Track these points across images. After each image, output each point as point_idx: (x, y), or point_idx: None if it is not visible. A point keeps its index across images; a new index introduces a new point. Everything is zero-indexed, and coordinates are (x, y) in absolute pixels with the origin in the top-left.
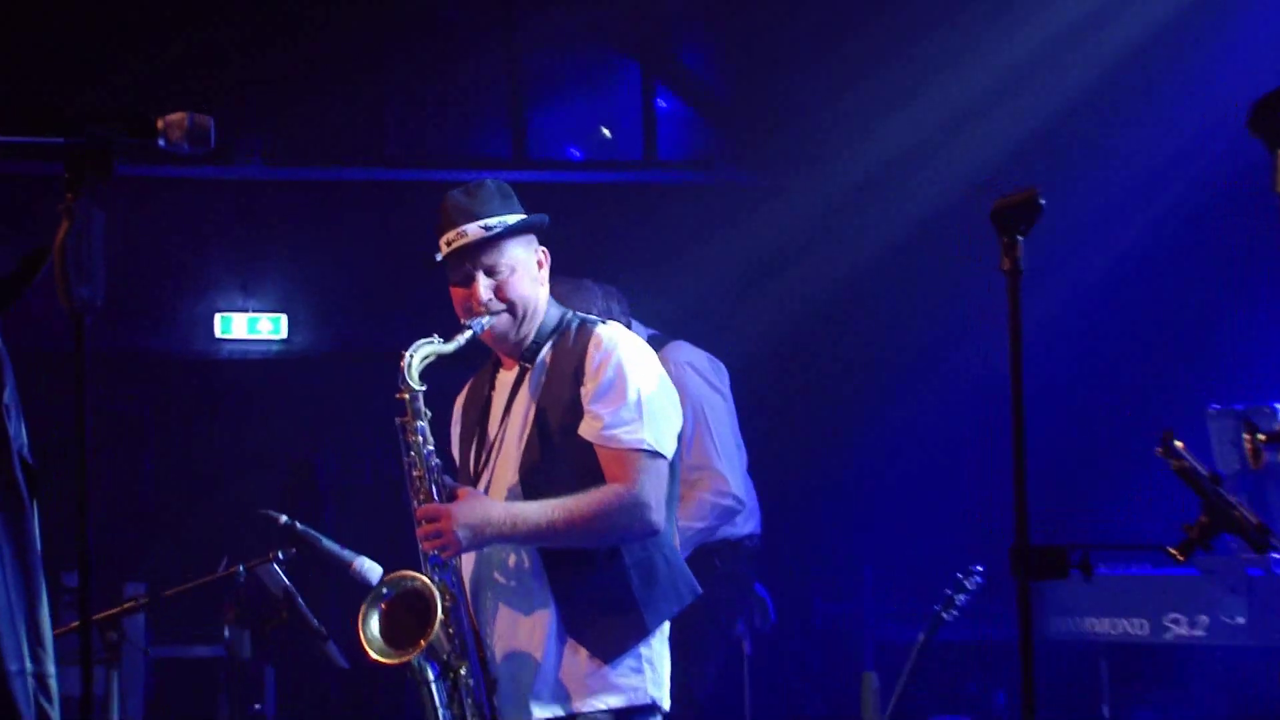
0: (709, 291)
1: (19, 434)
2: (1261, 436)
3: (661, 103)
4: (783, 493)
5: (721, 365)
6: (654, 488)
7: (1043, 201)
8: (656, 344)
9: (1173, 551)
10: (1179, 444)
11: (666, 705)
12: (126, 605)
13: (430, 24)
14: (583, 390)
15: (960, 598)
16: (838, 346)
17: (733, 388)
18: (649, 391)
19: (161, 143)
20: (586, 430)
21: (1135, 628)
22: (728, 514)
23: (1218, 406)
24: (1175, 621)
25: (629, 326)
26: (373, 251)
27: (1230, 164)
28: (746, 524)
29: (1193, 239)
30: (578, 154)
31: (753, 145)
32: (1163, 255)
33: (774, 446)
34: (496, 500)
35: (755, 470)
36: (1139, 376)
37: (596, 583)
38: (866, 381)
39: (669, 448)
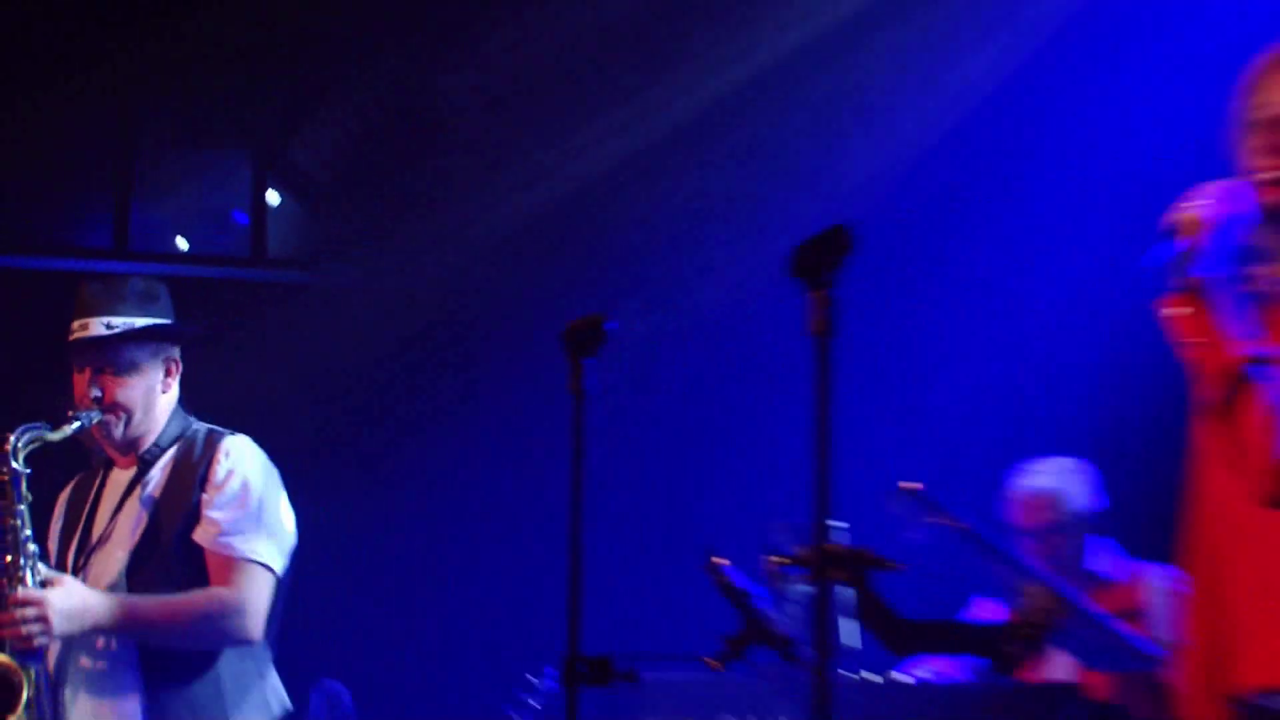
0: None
1: None
2: (775, 559)
3: (275, 197)
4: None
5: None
6: (257, 599)
7: (612, 326)
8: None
9: (710, 661)
10: (719, 561)
11: None
12: None
13: (36, 109)
14: (204, 497)
15: (532, 699)
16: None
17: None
18: (270, 506)
19: None
20: (201, 535)
21: None
22: None
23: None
24: None
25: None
26: None
27: None
28: None
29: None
30: (185, 247)
31: (353, 243)
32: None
33: None
34: (97, 590)
35: None
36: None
37: (189, 685)
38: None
39: (280, 564)
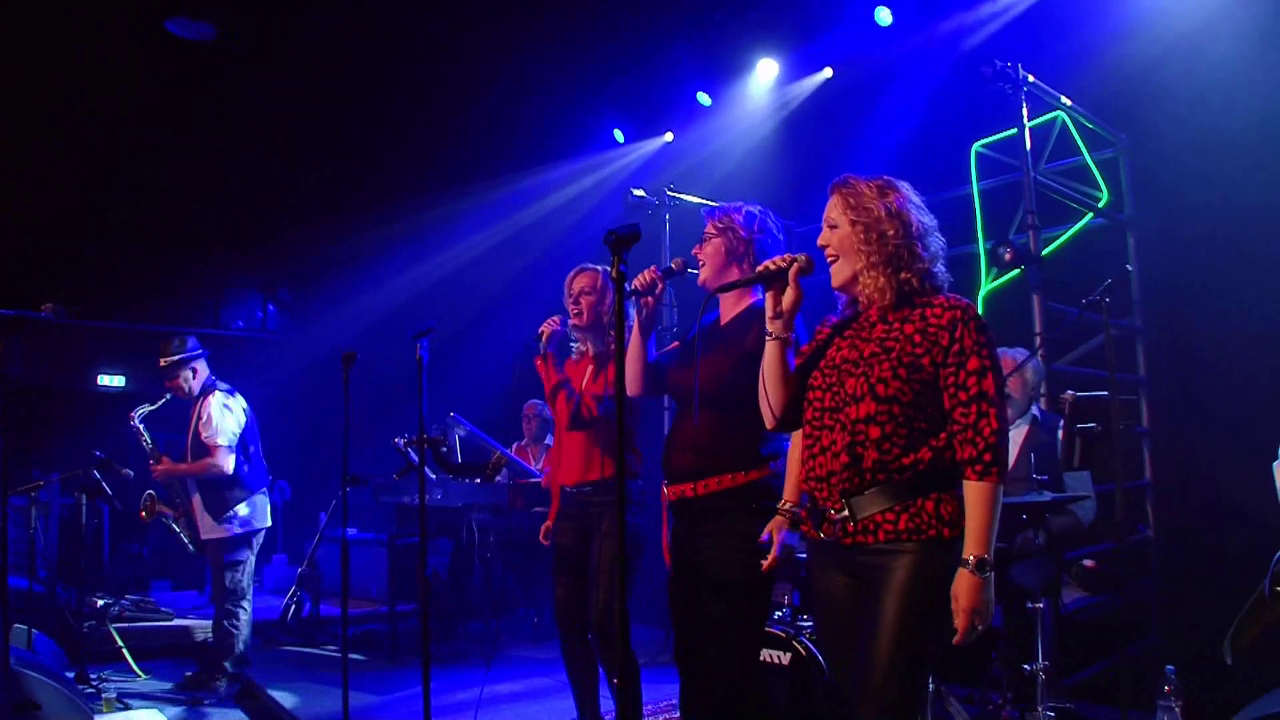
0: (275, 380)
1: None
2: (405, 441)
3: (271, 310)
4: None
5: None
6: (224, 457)
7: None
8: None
9: (396, 475)
10: (397, 439)
11: (238, 532)
12: None
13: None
14: (199, 420)
15: None
16: None
17: None
18: (223, 418)
19: None
20: (201, 434)
21: None
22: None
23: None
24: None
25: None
26: None
27: None
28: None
29: None
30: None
31: (297, 325)
32: None
33: None
34: (179, 464)
35: None
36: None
37: (211, 489)
38: None
39: (231, 441)
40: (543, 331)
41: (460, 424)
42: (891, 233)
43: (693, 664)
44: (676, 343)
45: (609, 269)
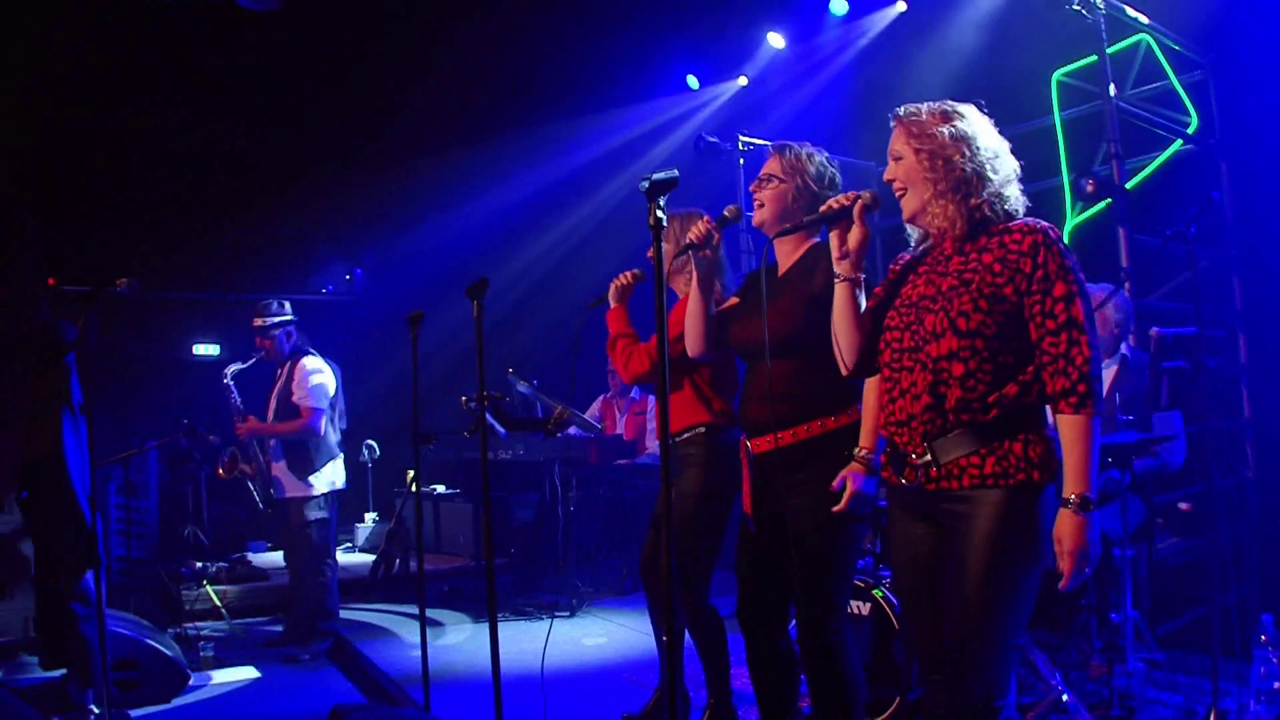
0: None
1: None
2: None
3: (358, 274)
4: None
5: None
6: (315, 421)
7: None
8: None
9: (467, 433)
10: (465, 398)
11: (323, 491)
12: None
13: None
14: (292, 384)
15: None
16: None
17: None
18: (317, 383)
19: None
20: (294, 397)
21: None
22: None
23: None
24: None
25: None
26: None
27: None
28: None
29: None
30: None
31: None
32: None
33: None
34: (262, 422)
35: None
36: None
37: (297, 449)
38: None
39: (324, 405)
40: (613, 285)
41: (519, 380)
42: (958, 157)
43: (760, 626)
44: (733, 299)
45: (702, 213)
